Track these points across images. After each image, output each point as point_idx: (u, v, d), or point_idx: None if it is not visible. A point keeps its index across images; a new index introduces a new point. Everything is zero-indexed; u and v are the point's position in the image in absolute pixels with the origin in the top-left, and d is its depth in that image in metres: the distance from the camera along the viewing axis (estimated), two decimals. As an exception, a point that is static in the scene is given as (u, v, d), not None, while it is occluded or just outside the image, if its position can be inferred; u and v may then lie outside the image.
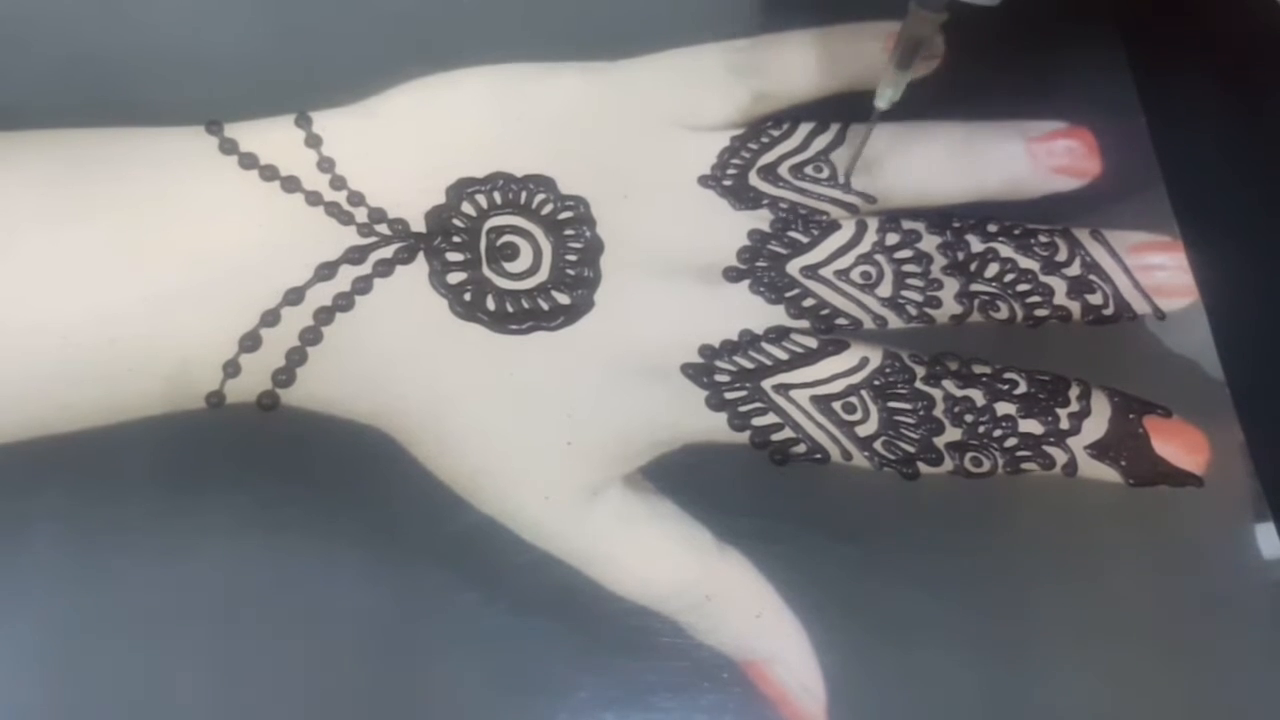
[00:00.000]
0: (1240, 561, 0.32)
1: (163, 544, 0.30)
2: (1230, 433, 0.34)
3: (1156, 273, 0.36)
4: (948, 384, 0.34)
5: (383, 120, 0.35)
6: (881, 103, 0.34)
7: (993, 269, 0.36)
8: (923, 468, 0.33)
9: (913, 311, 0.35)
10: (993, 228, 0.36)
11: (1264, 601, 0.32)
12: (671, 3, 0.39)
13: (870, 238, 0.36)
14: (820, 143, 0.37)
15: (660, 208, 0.36)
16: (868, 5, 0.39)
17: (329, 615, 0.30)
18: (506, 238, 0.34)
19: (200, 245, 0.33)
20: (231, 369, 0.32)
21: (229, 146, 0.34)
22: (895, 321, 0.35)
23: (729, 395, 0.33)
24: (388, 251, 0.34)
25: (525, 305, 0.33)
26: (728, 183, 0.36)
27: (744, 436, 0.33)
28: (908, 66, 0.33)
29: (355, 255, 0.33)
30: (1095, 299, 0.35)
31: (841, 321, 0.35)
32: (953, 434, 0.33)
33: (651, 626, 0.30)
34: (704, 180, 0.36)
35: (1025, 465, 0.33)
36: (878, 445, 0.33)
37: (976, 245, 0.36)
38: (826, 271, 0.35)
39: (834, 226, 0.36)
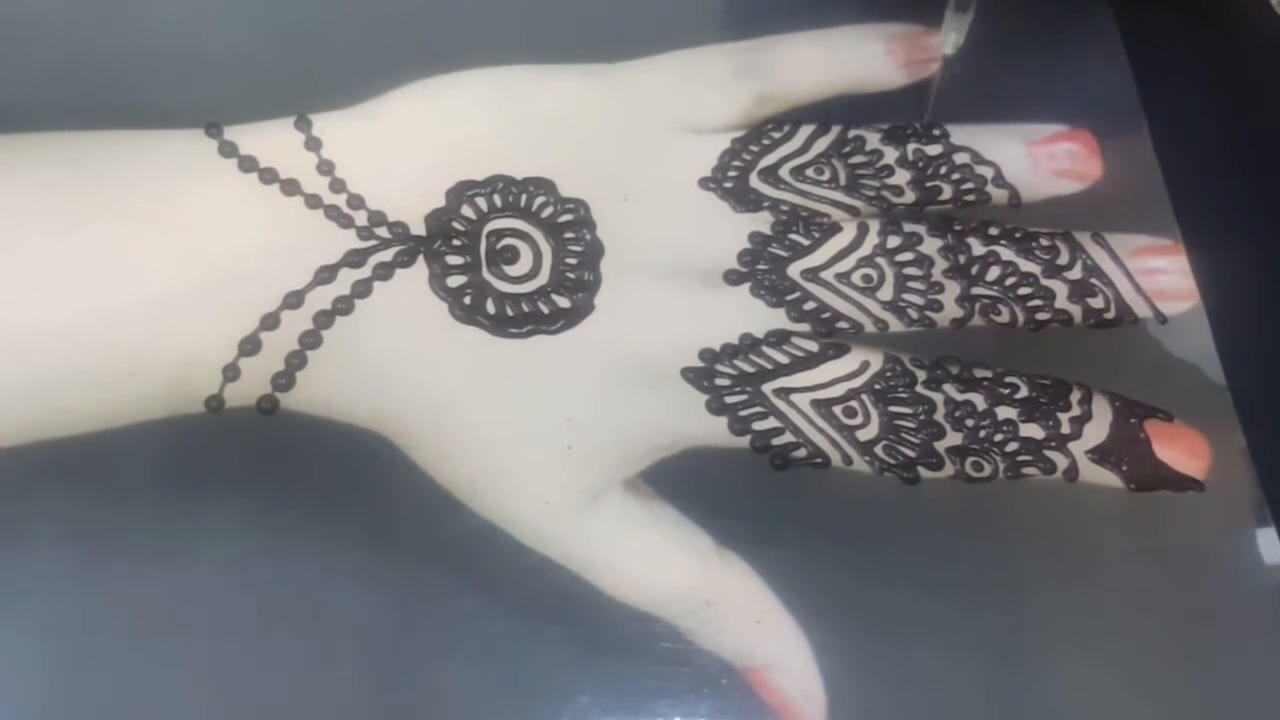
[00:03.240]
0: (1241, 566, 0.32)
1: (162, 547, 0.30)
2: (1232, 437, 0.34)
3: (1158, 276, 0.36)
4: (949, 388, 0.33)
5: (382, 123, 0.35)
6: (947, 49, 0.35)
7: (994, 272, 0.35)
8: (923, 472, 0.32)
9: (914, 315, 0.35)
10: (994, 231, 0.36)
11: (1265, 607, 0.32)
12: (672, 4, 0.39)
13: (871, 241, 0.36)
14: (821, 144, 0.37)
15: (661, 210, 0.35)
16: (870, 6, 0.39)
17: (328, 619, 0.30)
18: (506, 241, 0.34)
19: (200, 248, 0.33)
20: (231, 373, 0.32)
21: (229, 149, 0.34)
22: (896, 325, 0.35)
23: (729, 399, 0.33)
24: (387, 255, 0.33)
25: (525, 309, 0.33)
26: (728, 185, 0.36)
27: (744, 441, 0.33)
28: (966, 9, 0.34)
29: (355, 258, 0.33)
30: (1097, 302, 0.35)
31: (842, 325, 0.34)
32: (953, 438, 0.33)
33: (652, 632, 0.30)
34: (704, 182, 0.36)
35: (1026, 470, 0.33)
36: (878, 450, 0.33)
37: (978, 248, 0.36)
38: (828, 274, 0.35)
39: (835, 229, 0.36)
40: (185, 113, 0.35)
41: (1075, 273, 0.36)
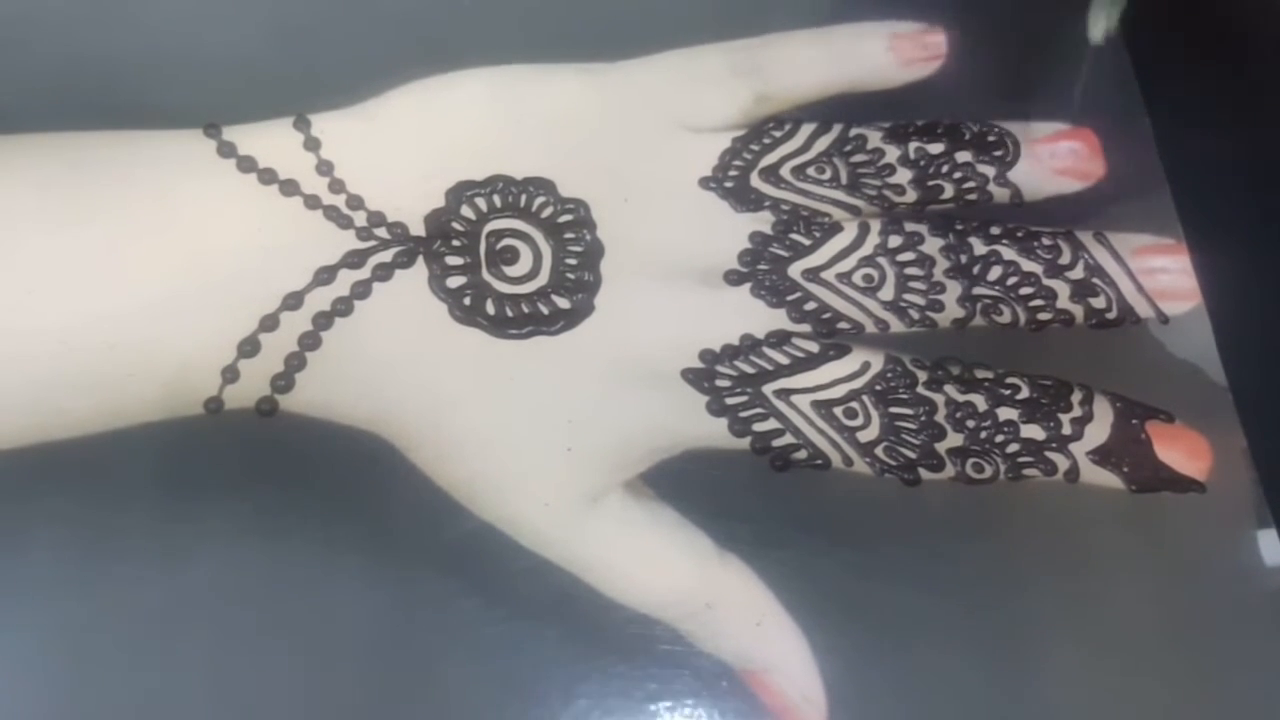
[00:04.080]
0: (1242, 568, 0.32)
1: (161, 550, 0.30)
2: (1233, 438, 0.34)
3: (1160, 276, 0.36)
4: (950, 389, 0.33)
5: (381, 123, 0.35)
6: (1096, 34, 0.35)
7: (995, 272, 0.35)
8: (924, 474, 0.32)
9: (915, 315, 0.35)
10: (996, 230, 0.36)
11: (1266, 608, 0.32)
12: (672, 3, 0.39)
13: (873, 240, 0.36)
14: (823, 143, 0.37)
15: (661, 210, 0.35)
16: (871, 5, 0.39)
17: (327, 622, 0.30)
18: (506, 241, 0.34)
19: (198, 249, 0.32)
20: (230, 374, 0.32)
21: (227, 149, 0.34)
22: (897, 325, 0.35)
23: (730, 400, 0.33)
24: (387, 255, 0.33)
25: (525, 310, 0.33)
26: (729, 184, 0.36)
27: (745, 442, 0.32)
28: None
29: (354, 259, 0.33)
30: (1098, 302, 0.35)
31: (843, 325, 0.34)
32: (954, 440, 0.33)
33: (651, 634, 0.30)
34: (705, 182, 0.36)
35: (1027, 471, 0.33)
36: (879, 451, 0.33)
37: (979, 248, 0.36)
38: (828, 275, 0.35)
39: (836, 229, 0.36)
40: (183, 113, 0.34)
41: (1077, 272, 0.36)
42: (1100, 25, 0.34)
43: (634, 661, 0.30)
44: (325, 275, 0.33)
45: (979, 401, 0.33)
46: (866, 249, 0.35)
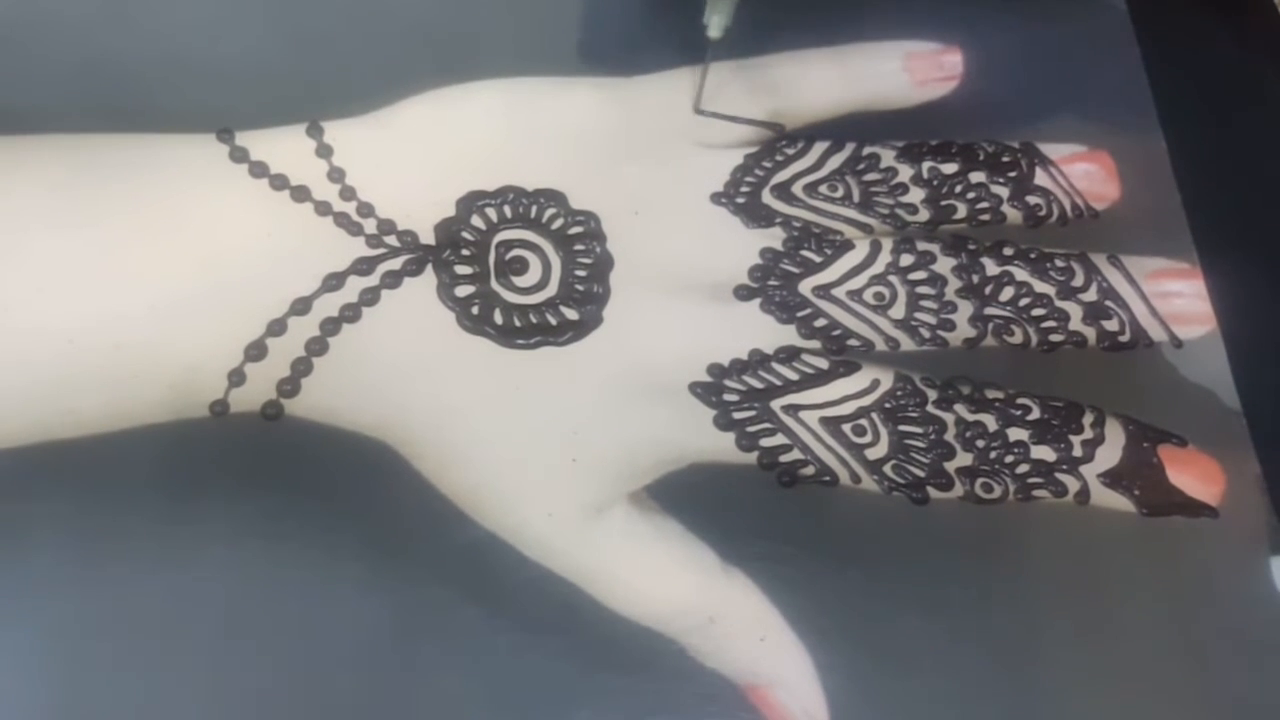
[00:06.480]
0: (1255, 594, 0.32)
1: (164, 552, 0.30)
2: (1246, 464, 0.33)
3: (1174, 300, 0.36)
4: (960, 408, 0.33)
5: (394, 131, 0.35)
6: (713, 31, 0.35)
7: (1008, 292, 0.35)
8: (932, 492, 0.32)
9: (926, 334, 0.34)
10: (1009, 250, 0.36)
11: (1278, 635, 0.31)
12: (686, 20, 0.39)
13: (884, 259, 0.35)
14: (835, 161, 0.37)
15: (672, 224, 0.35)
16: (883, 25, 0.39)
17: (328, 627, 0.30)
18: (516, 252, 0.34)
19: (208, 253, 0.33)
20: (236, 378, 0.32)
21: (240, 155, 0.34)
22: (908, 343, 0.34)
23: (737, 415, 0.33)
24: (396, 263, 0.33)
25: (533, 320, 0.33)
26: (740, 200, 0.36)
27: (752, 457, 0.32)
28: None
29: (363, 266, 0.33)
30: (1111, 325, 0.35)
31: (853, 343, 0.34)
32: (964, 459, 0.32)
33: (654, 647, 0.30)
34: (716, 198, 0.36)
35: (1037, 492, 0.32)
36: (887, 469, 0.32)
37: (992, 268, 0.35)
38: (839, 292, 0.35)
39: (847, 246, 0.36)
40: (197, 117, 0.35)
41: (1090, 294, 0.35)
42: (715, 21, 0.34)
43: (636, 674, 0.29)
44: (334, 281, 0.33)
45: (989, 421, 0.33)
46: (878, 267, 0.35)
